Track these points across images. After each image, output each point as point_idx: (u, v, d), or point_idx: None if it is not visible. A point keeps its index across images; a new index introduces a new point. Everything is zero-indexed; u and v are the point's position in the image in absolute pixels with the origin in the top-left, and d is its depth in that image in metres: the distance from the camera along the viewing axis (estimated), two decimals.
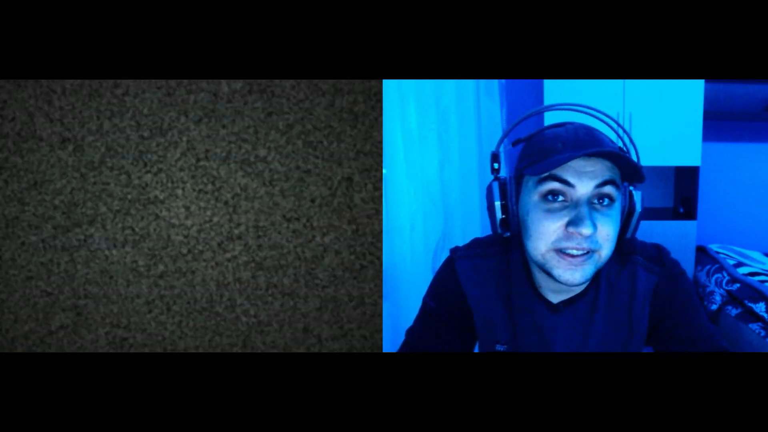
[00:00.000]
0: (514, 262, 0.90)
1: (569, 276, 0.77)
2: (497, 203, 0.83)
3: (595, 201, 0.77)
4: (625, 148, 0.85)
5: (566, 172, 0.76)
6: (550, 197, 0.77)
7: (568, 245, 0.76)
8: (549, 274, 0.79)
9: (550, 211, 0.77)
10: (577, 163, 0.76)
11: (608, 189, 0.77)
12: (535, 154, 0.81)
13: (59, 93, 0.96)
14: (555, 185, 0.77)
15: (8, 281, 0.97)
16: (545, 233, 0.77)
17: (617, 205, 0.79)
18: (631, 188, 0.84)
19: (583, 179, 0.76)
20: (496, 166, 0.86)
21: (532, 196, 0.79)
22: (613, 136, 0.87)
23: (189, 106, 0.99)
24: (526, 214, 0.81)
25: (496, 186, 0.84)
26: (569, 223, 0.75)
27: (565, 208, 0.77)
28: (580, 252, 0.76)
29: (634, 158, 0.85)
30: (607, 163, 0.77)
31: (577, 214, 0.75)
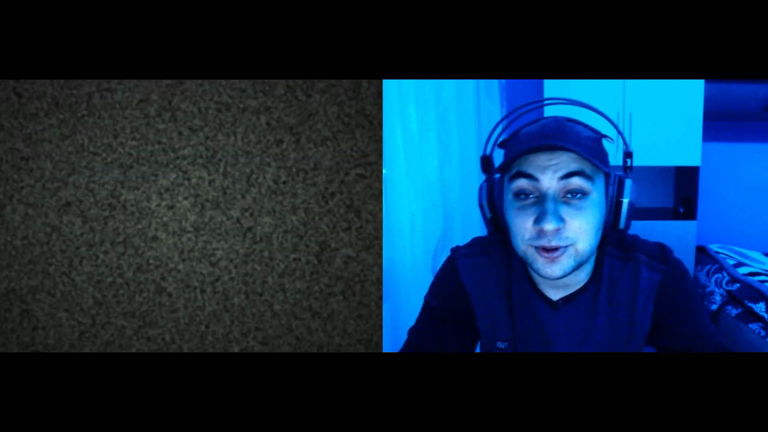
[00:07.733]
0: (513, 259, 0.90)
1: (548, 270, 0.78)
2: (484, 204, 0.86)
3: (569, 195, 0.77)
4: (611, 137, 0.85)
5: (530, 166, 0.77)
6: (522, 196, 0.78)
7: (541, 242, 0.77)
8: (532, 268, 0.80)
9: (521, 208, 0.78)
10: (540, 158, 0.77)
11: (576, 181, 0.76)
12: (507, 154, 0.82)
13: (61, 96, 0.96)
14: (522, 182, 0.78)
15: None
16: (519, 231, 0.78)
17: (593, 197, 0.78)
18: (621, 175, 0.83)
19: (547, 172, 0.76)
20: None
21: (507, 195, 0.81)
22: (605, 125, 0.87)
23: (189, 105, 0.99)
24: (505, 212, 0.83)
25: (485, 187, 0.86)
26: (536, 220, 0.76)
27: (535, 205, 0.77)
28: (552, 247, 0.77)
29: (626, 146, 0.86)
30: (573, 155, 0.77)
31: (542, 210, 0.75)
